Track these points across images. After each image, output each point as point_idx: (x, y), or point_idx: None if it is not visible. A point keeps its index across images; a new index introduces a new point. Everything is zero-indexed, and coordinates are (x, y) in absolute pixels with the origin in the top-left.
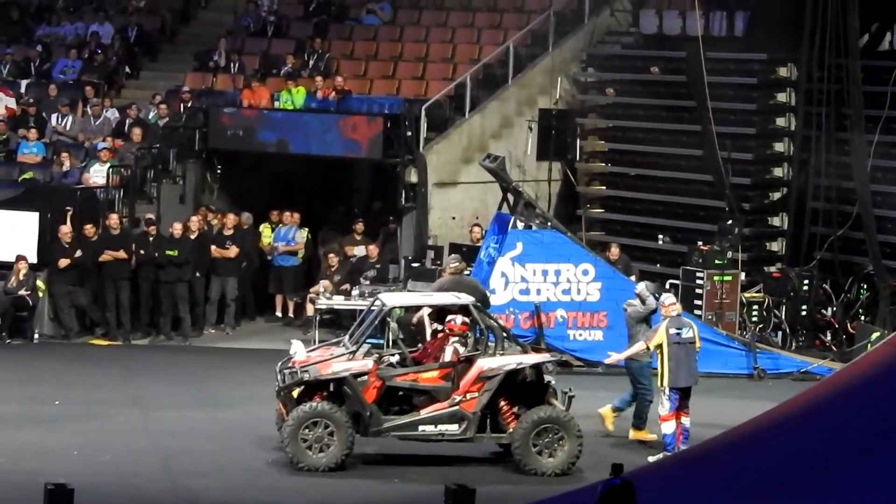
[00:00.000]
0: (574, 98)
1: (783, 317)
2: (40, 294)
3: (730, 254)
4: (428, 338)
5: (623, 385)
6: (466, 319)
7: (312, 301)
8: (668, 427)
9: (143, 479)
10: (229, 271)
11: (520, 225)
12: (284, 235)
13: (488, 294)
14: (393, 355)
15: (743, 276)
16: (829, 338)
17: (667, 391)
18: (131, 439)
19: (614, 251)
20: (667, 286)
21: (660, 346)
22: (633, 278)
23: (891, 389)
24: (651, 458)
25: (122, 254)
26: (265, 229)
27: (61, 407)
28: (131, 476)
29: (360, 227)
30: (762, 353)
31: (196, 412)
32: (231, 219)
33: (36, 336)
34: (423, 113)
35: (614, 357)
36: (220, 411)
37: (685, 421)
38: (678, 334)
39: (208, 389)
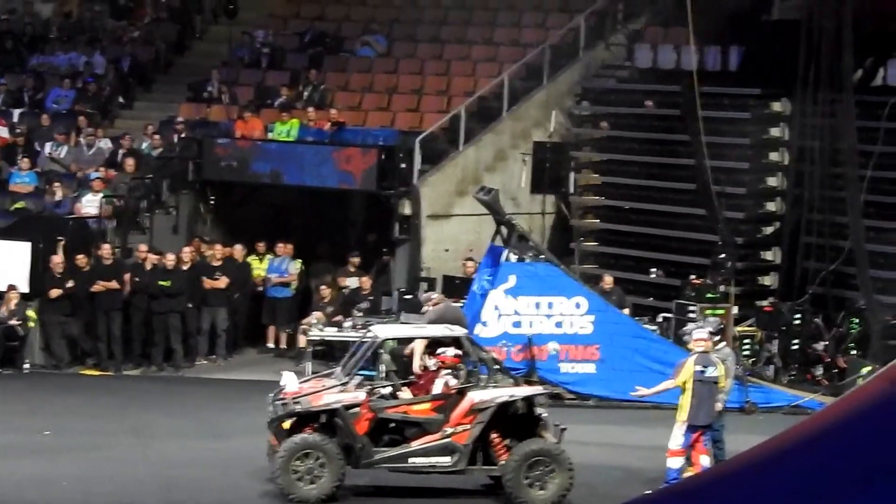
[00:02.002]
0: (568, 131)
1: (775, 351)
2: (31, 324)
3: (722, 287)
4: (416, 370)
5: (615, 418)
6: (458, 352)
7: (305, 332)
8: (675, 462)
9: None
10: (219, 302)
11: (513, 258)
12: (278, 267)
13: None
14: (385, 387)
15: (735, 309)
16: (820, 372)
17: (683, 427)
18: (130, 469)
19: (608, 281)
20: (659, 319)
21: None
22: (626, 311)
23: (881, 425)
24: (648, 492)
25: (114, 284)
26: (254, 261)
27: (60, 437)
28: None
29: (356, 260)
30: (754, 387)
31: (193, 442)
32: (219, 249)
33: (27, 366)
34: (417, 145)
35: (642, 391)
36: (215, 442)
37: (704, 460)
38: (702, 372)
39: (204, 420)
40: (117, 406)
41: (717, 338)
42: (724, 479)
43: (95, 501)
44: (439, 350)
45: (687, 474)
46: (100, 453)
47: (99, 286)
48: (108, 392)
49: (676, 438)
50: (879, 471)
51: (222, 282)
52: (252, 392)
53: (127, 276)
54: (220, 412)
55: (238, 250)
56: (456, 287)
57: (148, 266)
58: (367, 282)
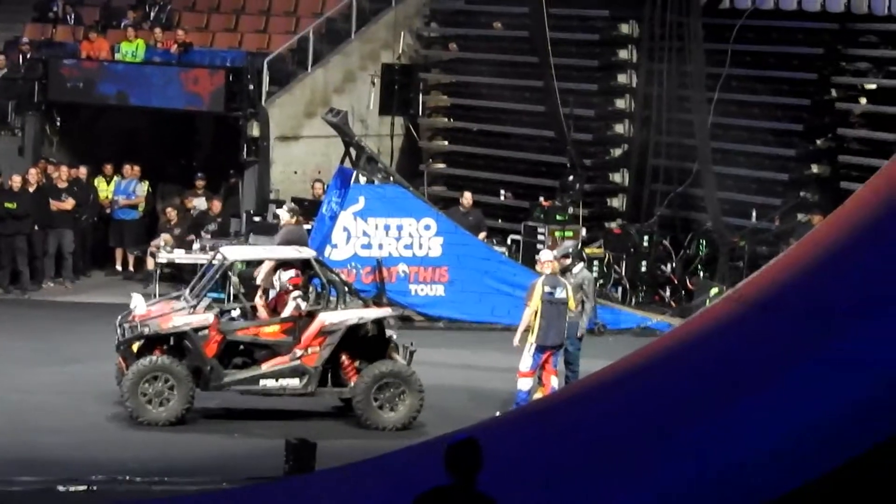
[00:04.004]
0: (417, 53)
1: (623, 272)
2: None
3: (571, 209)
4: (259, 294)
5: (465, 340)
6: (292, 273)
7: (153, 255)
8: (525, 384)
9: None
10: (65, 224)
11: (362, 179)
12: (125, 189)
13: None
14: (234, 309)
15: (584, 231)
16: (668, 294)
17: (532, 348)
18: None
19: (467, 200)
20: (507, 242)
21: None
22: (482, 235)
23: (728, 346)
24: (498, 413)
25: None
26: (101, 182)
27: None
28: None
29: (200, 182)
30: (602, 309)
31: (37, 367)
32: (64, 171)
33: None
34: (265, 66)
35: (517, 339)
36: (60, 366)
37: (553, 381)
38: (552, 293)
39: (49, 344)
40: None
41: (570, 261)
42: (574, 399)
43: None
44: (281, 272)
45: (537, 395)
46: None
47: None
48: None
49: (526, 360)
50: (728, 389)
51: (69, 203)
52: (98, 315)
53: None
54: (67, 335)
55: (83, 171)
56: (305, 209)
57: None
58: (217, 205)
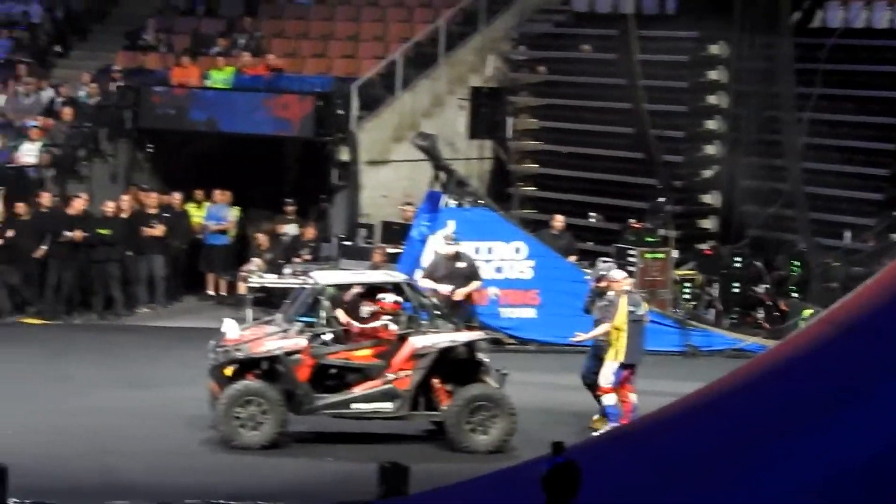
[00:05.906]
0: (505, 76)
1: (715, 294)
2: None
3: (662, 231)
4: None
5: (556, 363)
6: (398, 298)
7: (244, 279)
8: (611, 399)
9: (71, 459)
10: (155, 250)
11: (452, 203)
12: (215, 214)
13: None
14: (325, 333)
15: (675, 253)
16: (761, 315)
17: (614, 366)
18: (61, 419)
19: (558, 222)
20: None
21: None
22: (572, 258)
23: (821, 368)
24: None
25: (78, 234)
26: (192, 208)
27: None
28: (60, 456)
29: (290, 208)
30: (695, 331)
31: (126, 392)
32: (154, 197)
33: None
34: (354, 91)
35: (581, 336)
36: (151, 391)
37: (633, 397)
38: (634, 311)
39: (140, 369)
40: (52, 355)
41: (605, 284)
42: (662, 423)
43: (24, 451)
44: (378, 296)
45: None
46: (30, 403)
47: (79, 235)
48: (45, 341)
49: (608, 377)
50: (823, 411)
51: (159, 230)
52: (190, 340)
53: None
54: (159, 360)
55: (176, 198)
56: (395, 233)
57: (71, 212)
58: (311, 231)
